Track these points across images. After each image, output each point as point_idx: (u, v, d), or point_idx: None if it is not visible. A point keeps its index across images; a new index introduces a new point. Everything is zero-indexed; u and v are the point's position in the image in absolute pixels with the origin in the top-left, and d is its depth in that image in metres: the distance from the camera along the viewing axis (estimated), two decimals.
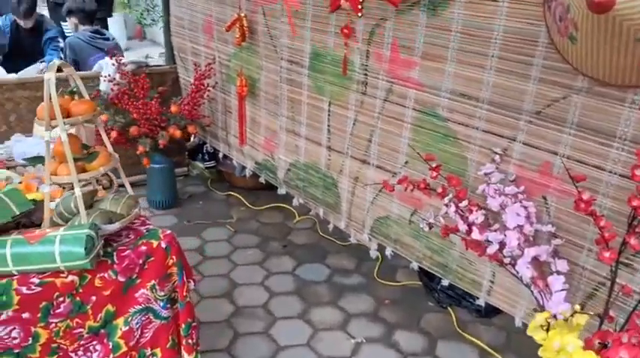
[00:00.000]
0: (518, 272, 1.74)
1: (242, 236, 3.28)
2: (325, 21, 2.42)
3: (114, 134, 3.09)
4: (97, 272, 1.57)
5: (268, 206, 3.59)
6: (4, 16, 5.01)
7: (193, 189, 3.88)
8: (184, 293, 1.72)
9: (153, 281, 1.67)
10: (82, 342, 1.60)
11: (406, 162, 2.25)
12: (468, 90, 1.94)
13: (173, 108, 3.16)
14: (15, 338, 1.48)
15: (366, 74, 2.30)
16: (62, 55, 4.47)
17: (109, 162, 1.63)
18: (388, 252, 2.46)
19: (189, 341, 1.76)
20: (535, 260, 1.74)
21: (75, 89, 1.68)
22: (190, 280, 1.78)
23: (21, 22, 4.74)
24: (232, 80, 3.14)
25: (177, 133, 3.19)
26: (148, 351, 1.72)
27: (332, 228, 2.79)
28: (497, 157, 1.88)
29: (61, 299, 1.53)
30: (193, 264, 2.93)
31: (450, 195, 1.87)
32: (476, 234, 1.80)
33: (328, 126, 2.57)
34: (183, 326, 1.74)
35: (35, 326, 1.51)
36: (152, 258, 1.66)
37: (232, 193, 3.76)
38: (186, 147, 4.00)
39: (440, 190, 1.91)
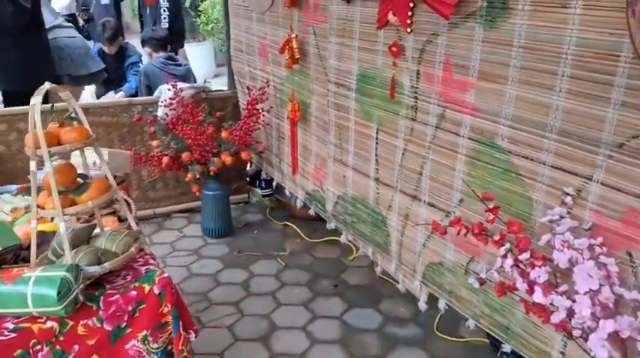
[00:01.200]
0: (591, 350, 1.35)
1: (292, 271, 3.04)
2: (373, 39, 2.16)
3: (165, 159, 3.01)
4: (80, 318, 1.40)
5: (325, 239, 3.33)
6: (95, 44, 5.27)
7: (251, 218, 3.72)
8: (180, 347, 1.50)
9: (145, 332, 1.47)
10: None
11: (461, 201, 1.90)
12: (533, 117, 1.58)
13: (223, 134, 3.02)
14: None
15: (416, 97, 2.00)
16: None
17: (101, 195, 1.47)
18: (441, 304, 2.11)
19: None
20: (615, 335, 1.33)
21: (73, 115, 1.55)
22: (190, 331, 1.56)
23: (105, 48, 4.94)
24: (285, 105, 2.95)
25: (228, 160, 3.05)
26: None
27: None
28: (568, 199, 1.50)
29: (38, 347, 1.37)
30: (235, 301, 2.74)
31: (507, 245, 1.52)
32: (538, 296, 1.43)
33: (376, 155, 2.28)
34: None
35: None
36: (144, 305, 1.46)
37: (289, 223, 3.55)
38: (246, 173, 3.88)
39: (497, 237, 1.56)
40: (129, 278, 1.53)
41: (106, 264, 1.44)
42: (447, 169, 1.93)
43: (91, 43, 5.14)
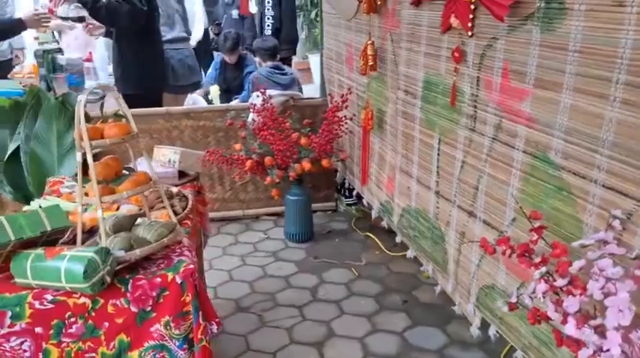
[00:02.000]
0: None
1: (364, 282, 3.00)
2: (437, 44, 2.08)
3: (249, 163, 3.14)
4: (110, 298, 1.52)
5: (403, 253, 3.23)
6: (218, 54, 5.68)
7: (336, 226, 3.74)
8: (199, 336, 1.55)
9: (167, 318, 1.55)
10: None
11: (514, 219, 1.75)
12: (586, 129, 1.41)
13: (302, 141, 3.08)
14: (25, 351, 1.50)
15: (475, 106, 1.89)
16: None
17: (136, 187, 1.58)
18: (492, 331, 1.95)
19: None
20: None
21: (121, 113, 1.69)
22: (213, 323, 1.61)
23: (227, 58, 5.30)
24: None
25: (307, 166, 3.10)
26: None
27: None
28: (616, 223, 1.31)
29: (73, 319, 1.51)
30: (300, 304, 2.77)
31: (544, 269, 1.37)
32: (570, 328, 1.27)
33: (437, 167, 2.18)
34: None
35: (47, 343, 1.50)
36: (167, 292, 1.54)
37: (370, 235, 3.51)
38: (335, 181, 3.91)
39: (538, 259, 1.42)
40: (162, 266, 1.62)
41: (136, 251, 1.54)
42: (502, 185, 1.78)
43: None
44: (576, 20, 1.41)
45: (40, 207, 1.61)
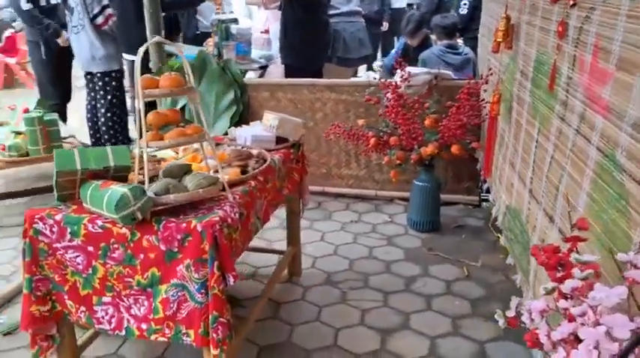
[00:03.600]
0: None
1: (469, 284, 2.73)
2: (549, 15, 1.76)
3: (372, 140, 3.09)
4: (145, 233, 1.67)
5: None
6: (400, 37, 5.64)
7: (470, 222, 3.45)
8: (212, 284, 1.62)
9: (189, 261, 1.65)
10: (132, 292, 1.73)
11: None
12: None
13: (427, 122, 2.89)
14: (79, 264, 1.74)
15: (567, 90, 1.56)
16: None
17: (179, 137, 1.68)
18: None
19: (215, 335, 1.65)
20: None
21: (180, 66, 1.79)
22: (229, 276, 1.66)
23: (409, 41, 5.24)
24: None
25: (429, 150, 2.92)
26: (183, 329, 1.71)
27: None
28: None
29: (115, 245, 1.70)
30: (388, 291, 2.65)
31: (550, 286, 1.11)
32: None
33: (534, 162, 1.86)
34: (210, 317, 1.64)
35: (95, 261, 1.73)
36: (190, 238, 1.63)
37: (500, 236, 3.16)
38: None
39: (561, 274, 1.16)
40: (199, 214, 1.72)
41: (170, 196, 1.67)
42: (576, 187, 1.46)
43: None
44: None
45: (110, 146, 1.83)
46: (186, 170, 1.81)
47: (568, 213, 1.32)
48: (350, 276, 2.80)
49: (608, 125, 1.27)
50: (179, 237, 1.65)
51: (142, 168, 1.74)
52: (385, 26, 6.54)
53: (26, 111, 3.31)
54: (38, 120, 3.18)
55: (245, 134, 2.45)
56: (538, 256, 1.29)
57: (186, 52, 3.94)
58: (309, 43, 3.95)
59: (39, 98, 3.94)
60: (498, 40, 2.32)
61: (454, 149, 2.97)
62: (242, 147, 2.36)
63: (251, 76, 4.41)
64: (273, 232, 3.26)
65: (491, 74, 2.77)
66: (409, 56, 5.06)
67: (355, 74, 5.48)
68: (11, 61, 7.78)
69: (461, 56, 4.23)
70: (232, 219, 1.75)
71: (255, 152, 2.21)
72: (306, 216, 3.49)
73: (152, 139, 1.70)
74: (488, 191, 3.41)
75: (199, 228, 1.62)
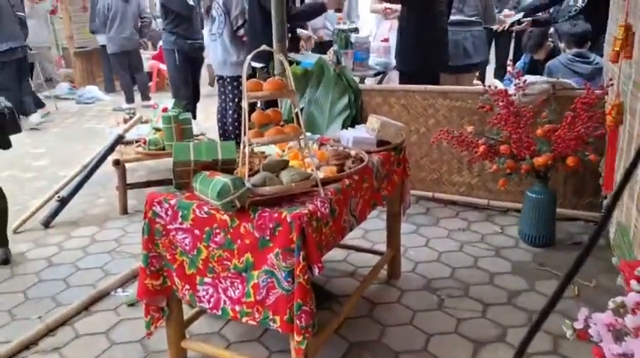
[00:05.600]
0: None
1: (576, 303, 2.55)
2: None
3: (482, 148, 3.02)
4: (243, 221, 1.83)
5: None
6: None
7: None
8: (298, 273, 1.73)
9: (277, 250, 1.77)
10: (229, 274, 1.90)
11: None
12: None
13: (538, 131, 2.76)
14: (186, 245, 1.95)
15: None
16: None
17: (277, 135, 1.81)
18: None
19: (298, 322, 1.75)
20: None
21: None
22: (315, 266, 1.75)
23: (534, 56, 5.02)
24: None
25: (540, 161, 2.78)
26: (270, 315, 1.84)
27: None
28: None
29: (218, 230, 1.88)
30: (488, 303, 2.57)
31: (619, 300, 1.05)
32: None
33: None
34: (294, 304, 1.75)
35: (200, 243, 1.92)
36: (280, 228, 1.76)
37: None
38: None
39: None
40: (292, 206, 1.84)
41: (266, 188, 1.81)
42: None
43: None
44: None
45: (220, 142, 2.02)
46: (284, 166, 1.95)
47: None
48: (450, 284, 2.77)
49: None
50: (271, 225, 1.78)
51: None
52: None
53: (165, 110, 3.72)
54: (174, 118, 3.57)
55: (348, 136, 2.55)
56: (624, 272, 1.23)
57: (307, 59, 4.19)
58: (422, 50, 3.95)
59: (175, 99, 4.41)
60: (616, 49, 2.17)
61: (570, 161, 2.80)
62: (344, 148, 2.45)
63: (370, 83, 4.51)
64: (378, 234, 3.31)
65: (612, 84, 2.57)
66: (538, 70, 4.85)
67: (483, 81, 5.34)
68: (164, 66, 8.70)
69: (591, 65, 3.98)
70: (322, 213, 1.85)
71: (353, 153, 2.30)
72: (413, 221, 3.51)
73: (254, 136, 1.86)
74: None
75: (289, 219, 1.75)
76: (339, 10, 4.09)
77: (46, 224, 3.61)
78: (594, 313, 1.17)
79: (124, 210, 3.82)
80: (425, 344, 2.29)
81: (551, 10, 5.18)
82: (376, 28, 5.74)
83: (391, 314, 2.52)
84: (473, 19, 4.49)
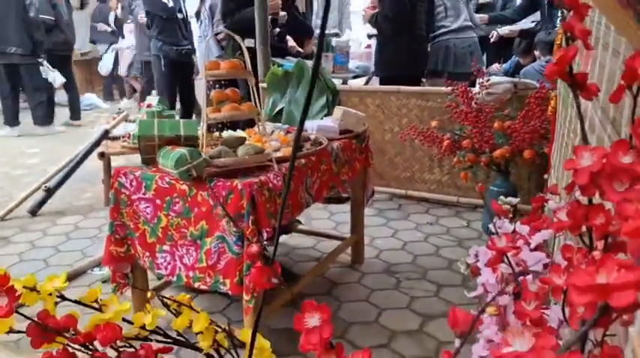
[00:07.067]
0: None
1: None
2: None
3: (446, 142, 3.17)
4: (199, 189, 1.98)
5: None
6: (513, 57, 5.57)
7: None
8: (247, 235, 1.87)
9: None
10: (185, 242, 2.04)
11: None
12: None
13: (495, 124, 2.92)
14: (148, 214, 2.10)
15: None
16: None
17: (231, 111, 1.97)
18: None
19: (247, 282, 1.89)
20: None
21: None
22: (263, 230, 1.90)
23: (521, 60, 5.20)
24: None
25: (498, 154, 2.93)
26: (221, 278, 1.98)
27: None
28: None
29: (177, 199, 2.03)
30: (444, 284, 2.71)
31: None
32: None
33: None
34: (244, 265, 1.89)
35: (161, 212, 2.07)
36: (232, 195, 1.91)
37: None
38: None
39: None
40: (246, 178, 1.99)
41: (222, 159, 1.96)
42: None
43: None
44: None
45: (183, 120, 2.19)
46: (242, 142, 2.11)
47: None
48: (410, 269, 2.90)
49: None
50: (224, 193, 1.93)
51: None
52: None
53: (149, 106, 3.89)
54: (157, 114, 3.73)
55: (313, 124, 2.71)
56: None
57: (288, 62, 4.38)
58: (400, 58, 4.14)
59: (160, 97, 4.59)
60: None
61: (526, 154, 2.95)
62: (308, 135, 2.61)
63: (352, 84, 4.70)
64: (348, 226, 3.44)
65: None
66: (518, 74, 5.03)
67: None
68: None
69: None
70: (274, 184, 2.00)
71: (312, 137, 2.46)
72: (384, 215, 3.65)
73: (212, 112, 2.02)
74: None
75: (240, 187, 1.89)
76: (275, 15, 4.10)
77: (33, 212, 3.77)
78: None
79: (109, 202, 3.95)
80: (377, 317, 2.42)
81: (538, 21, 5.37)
82: (368, 38, 5.96)
83: (350, 292, 2.66)
84: (469, 24, 4.67)
